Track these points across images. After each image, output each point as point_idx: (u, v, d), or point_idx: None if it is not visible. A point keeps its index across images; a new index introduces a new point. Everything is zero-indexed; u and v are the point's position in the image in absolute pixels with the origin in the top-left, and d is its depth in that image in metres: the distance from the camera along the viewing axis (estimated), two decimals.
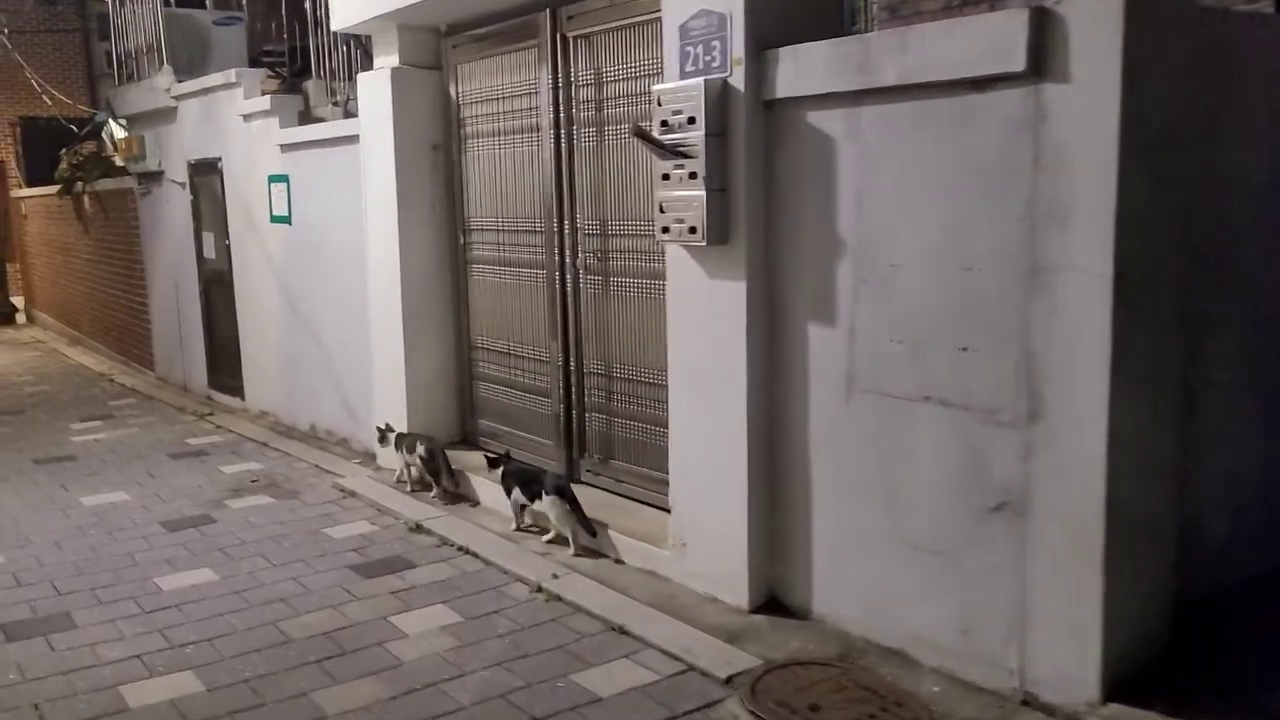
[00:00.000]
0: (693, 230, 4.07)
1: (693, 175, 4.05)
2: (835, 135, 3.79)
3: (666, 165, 4.15)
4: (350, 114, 7.36)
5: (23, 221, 16.27)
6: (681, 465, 4.45)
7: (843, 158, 3.77)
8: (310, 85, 8.12)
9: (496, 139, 6.05)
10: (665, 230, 4.21)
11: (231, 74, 8.34)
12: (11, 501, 6.58)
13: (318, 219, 7.53)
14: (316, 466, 7.14)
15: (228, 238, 8.93)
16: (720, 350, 4.15)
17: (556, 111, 5.48)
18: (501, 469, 5.66)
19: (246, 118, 8.28)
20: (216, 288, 9.34)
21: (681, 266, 4.28)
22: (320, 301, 7.64)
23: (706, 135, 3.99)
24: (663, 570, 4.62)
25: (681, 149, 4.07)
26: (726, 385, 4.14)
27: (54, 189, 13.11)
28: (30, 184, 16.47)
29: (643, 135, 4.10)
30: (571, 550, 5.08)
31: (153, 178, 10.26)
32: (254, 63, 9.07)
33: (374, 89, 6.43)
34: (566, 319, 5.60)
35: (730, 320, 4.09)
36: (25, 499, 6.63)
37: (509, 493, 5.52)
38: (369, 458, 7.17)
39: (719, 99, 4.01)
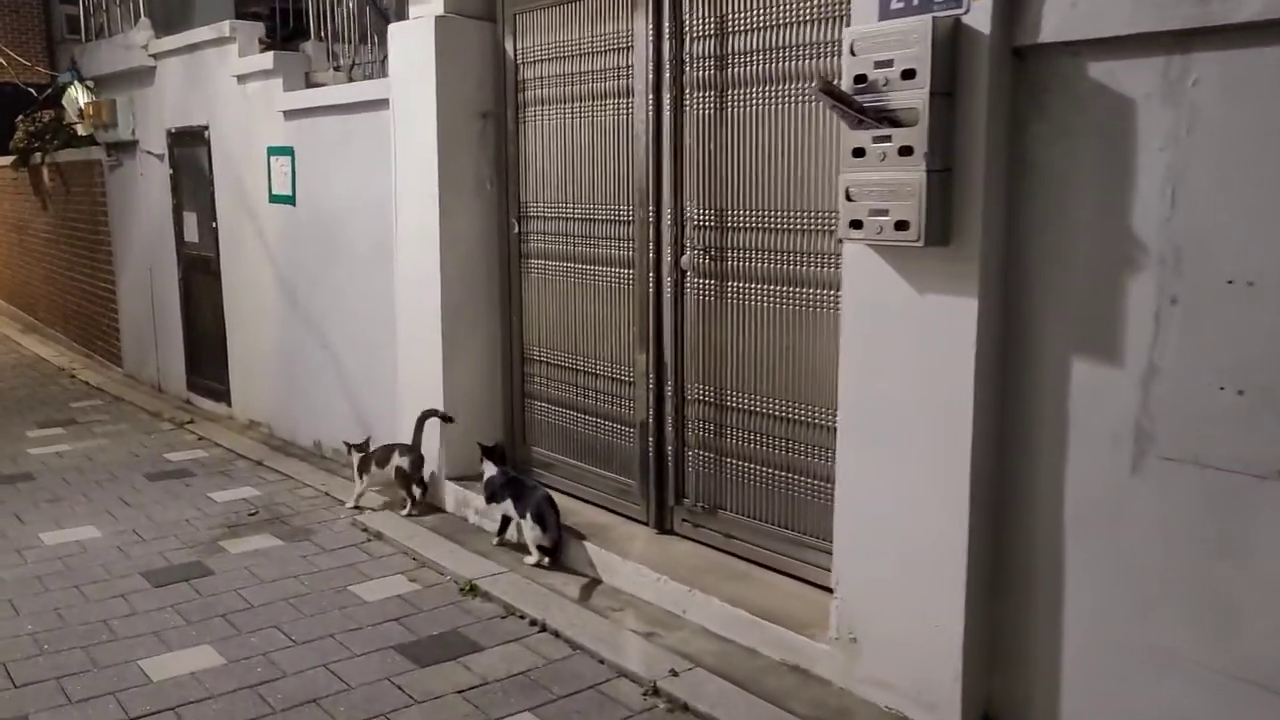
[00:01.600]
0: (902, 225, 2.97)
1: (905, 151, 2.95)
2: (1138, 95, 2.70)
3: (861, 136, 3.04)
4: (356, 80, 6.21)
5: None
6: (855, 535, 3.36)
7: (1149, 128, 2.69)
8: (308, 49, 6.92)
9: (567, 106, 4.91)
10: (855, 225, 3.11)
11: (224, 26, 7.12)
12: None
13: (329, 200, 6.34)
14: (326, 494, 5.98)
15: (215, 219, 7.71)
16: (931, 388, 3.06)
17: (657, 71, 4.35)
18: (489, 477, 4.87)
19: (241, 79, 7.07)
20: (200, 276, 8.12)
21: (870, 273, 3.18)
22: (330, 298, 6.46)
23: (931, 95, 2.88)
24: (819, 669, 3.53)
25: (888, 114, 2.96)
26: (939, 435, 3.05)
27: (8, 160, 11.76)
28: None
29: (834, 94, 2.98)
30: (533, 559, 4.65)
31: (124, 148, 9.00)
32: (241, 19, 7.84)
33: (411, 42, 5.26)
34: (661, 331, 4.49)
35: (949, 348, 3.00)
36: None
37: (490, 499, 4.82)
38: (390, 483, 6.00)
39: (947, 45, 2.91)
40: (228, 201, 7.52)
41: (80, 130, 10.04)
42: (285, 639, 4.11)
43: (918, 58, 2.90)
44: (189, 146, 7.98)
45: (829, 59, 3.68)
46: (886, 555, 3.28)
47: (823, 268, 3.82)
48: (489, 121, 5.35)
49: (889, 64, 2.97)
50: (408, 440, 5.45)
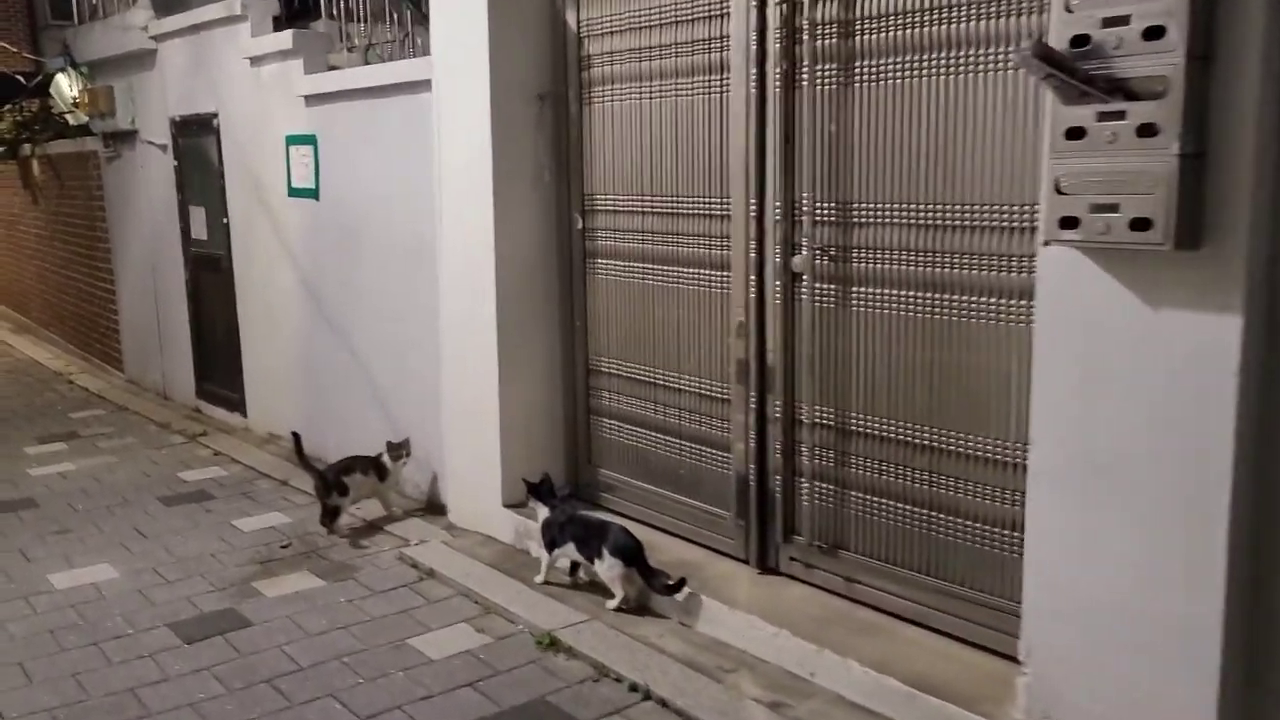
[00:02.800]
0: (1140, 224, 2.39)
1: (1146, 130, 2.35)
2: None
3: (1080, 114, 2.44)
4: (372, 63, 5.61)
5: None
6: (1054, 600, 2.78)
7: None
8: (319, 29, 6.29)
9: (643, 84, 4.30)
10: (1069, 224, 2.52)
11: (234, 3, 6.47)
12: None
13: (358, 193, 5.72)
14: (364, 521, 5.37)
15: (226, 214, 7.08)
16: (1173, 428, 2.48)
17: (762, 42, 3.75)
18: (546, 518, 4.31)
19: (255, 61, 6.44)
20: (209, 276, 7.49)
21: (1084, 282, 2.59)
22: (359, 301, 5.84)
23: (1188, 59, 2.28)
24: None
25: (1121, 83, 2.36)
26: (1183, 488, 2.47)
27: None
28: None
29: (1052, 60, 2.39)
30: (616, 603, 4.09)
31: (123, 138, 8.36)
32: None
33: (459, 16, 4.65)
34: (764, 343, 3.89)
35: (1200, 379, 2.42)
36: None
37: (551, 546, 4.25)
38: (435, 511, 5.41)
39: None
40: (240, 195, 6.89)
41: (72, 120, 9.37)
42: (345, 712, 3.52)
43: (1169, 11, 2.29)
44: (195, 136, 7.34)
45: (996, 20, 3.07)
46: (1100, 629, 2.69)
47: (981, 270, 3.22)
48: (547, 104, 4.73)
49: (1124, 20, 2.37)
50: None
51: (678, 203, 4.22)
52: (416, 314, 5.35)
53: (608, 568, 4.06)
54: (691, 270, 4.21)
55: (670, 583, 3.91)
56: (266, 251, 6.67)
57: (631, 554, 4.03)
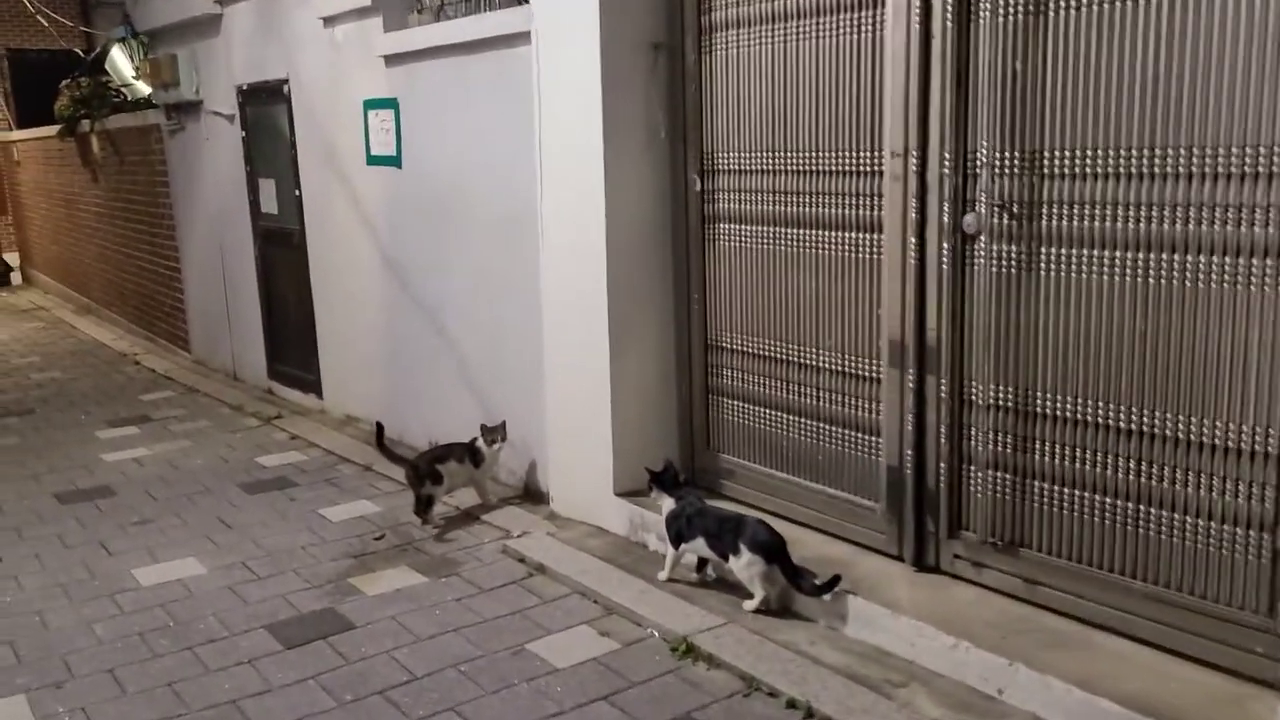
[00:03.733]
0: None
1: None
2: None
3: None
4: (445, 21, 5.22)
5: (15, 169, 13.97)
6: None
7: None
8: None
9: (773, 27, 3.87)
10: None
11: None
12: (31, 577, 4.47)
13: (447, 160, 5.33)
14: (459, 509, 5.02)
15: (298, 186, 6.73)
16: None
17: None
18: (672, 510, 3.88)
19: (328, 21, 6.06)
20: (280, 252, 7.16)
21: None
22: (446, 276, 5.47)
23: None
24: None
25: None
26: None
27: (53, 130, 10.84)
28: (22, 125, 14.18)
29: None
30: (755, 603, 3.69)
31: (186, 110, 8.05)
32: None
33: None
34: (923, 313, 3.47)
35: None
36: (50, 570, 4.54)
37: (677, 540, 3.82)
38: (534, 499, 5.05)
39: None
40: (314, 166, 6.53)
41: (129, 94, 9.09)
42: None
43: None
44: (264, 104, 7.00)
45: None
46: None
47: (1215, 225, 2.76)
48: (661, 54, 4.30)
49: None
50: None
51: (816, 159, 3.79)
52: (514, 289, 4.97)
53: (746, 565, 3.67)
54: (833, 234, 3.78)
55: (820, 582, 3.51)
56: (343, 225, 6.31)
57: (773, 550, 3.63)
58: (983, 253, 3.26)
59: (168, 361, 9.02)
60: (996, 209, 3.21)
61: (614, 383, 4.38)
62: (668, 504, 3.94)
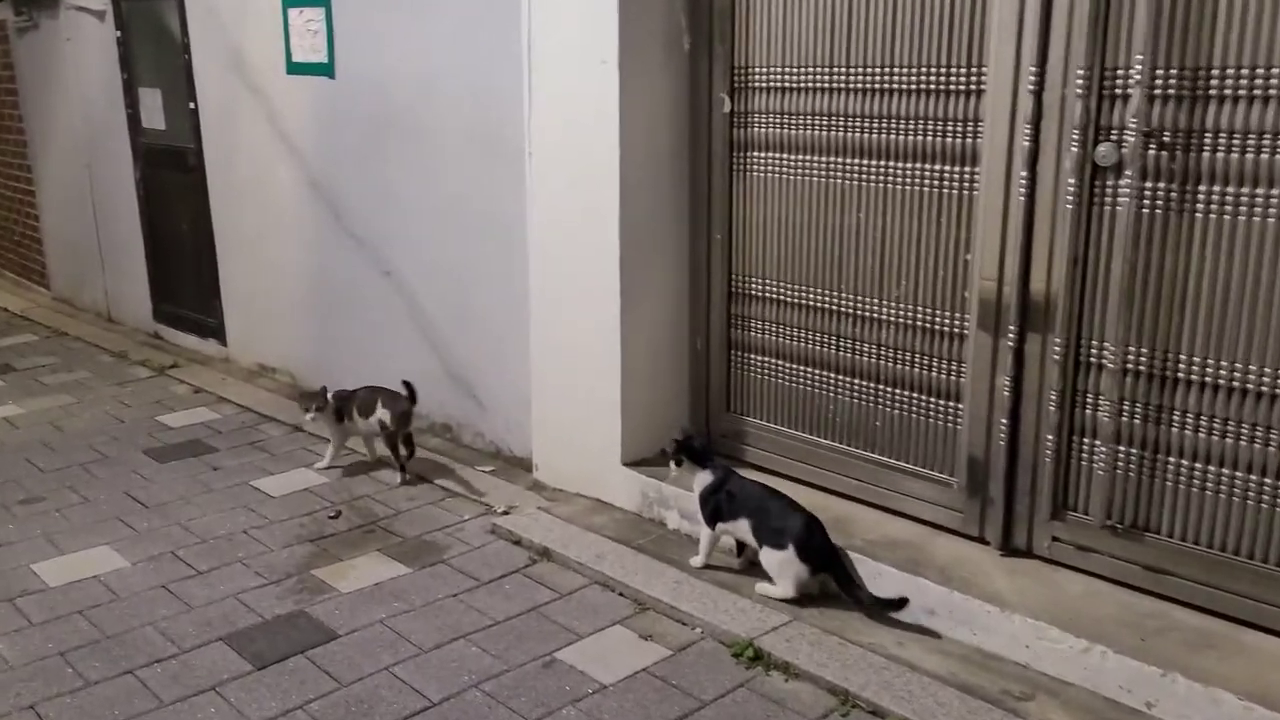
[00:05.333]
0: None
1: None
2: None
3: None
4: None
5: None
6: None
7: None
8: None
9: None
10: None
11: None
12: None
13: (398, 70, 4.53)
14: (420, 478, 4.34)
15: (193, 98, 5.78)
16: None
17: None
18: (708, 484, 3.36)
19: None
20: (171, 175, 6.20)
21: None
22: (397, 207, 4.71)
23: None
24: None
25: None
26: None
27: None
28: None
29: None
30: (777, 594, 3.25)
31: (40, 4, 6.87)
32: None
33: None
34: (1029, 259, 2.98)
35: None
36: None
37: (713, 519, 3.32)
38: (511, 466, 4.40)
39: None
40: (214, 74, 5.60)
41: None
42: None
43: None
44: (143, 0, 5.97)
45: None
46: None
47: None
48: None
49: None
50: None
51: (889, 75, 3.22)
52: (487, 222, 4.27)
53: (783, 563, 3.16)
54: (908, 166, 3.22)
55: (882, 597, 3.02)
56: (254, 145, 5.42)
57: (825, 559, 3.14)
58: (1128, 190, 2.75)
59: (22, 299, 7.90)
60: (1141, 138, 2.70)
61: (624, 335, 3.76)
62: (702, 478, 3.37)
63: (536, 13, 3.76)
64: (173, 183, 6.19)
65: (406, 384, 4.20)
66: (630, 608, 3.31)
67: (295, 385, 5.51)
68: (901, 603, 3.00)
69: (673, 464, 3.40)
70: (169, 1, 5.79)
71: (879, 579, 3.12)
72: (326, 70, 4.88)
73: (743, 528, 3.29)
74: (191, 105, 5.82)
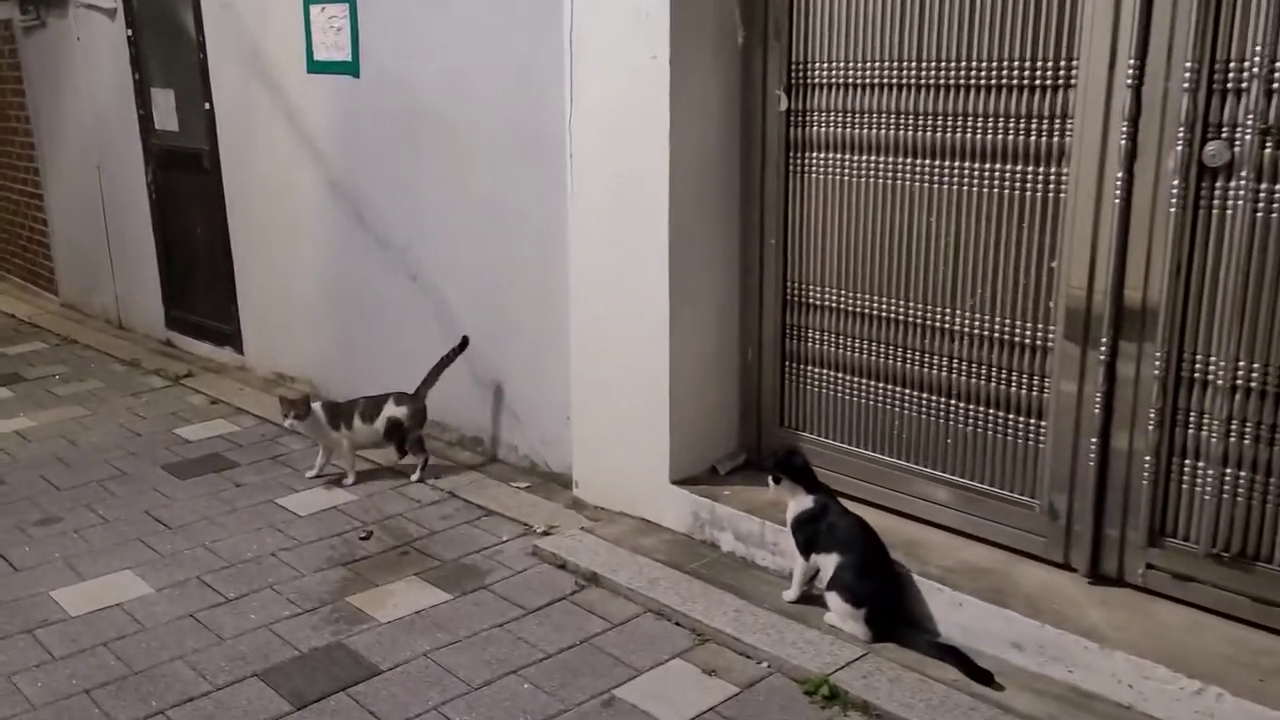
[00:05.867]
0: None
1: None
2: None
3: None
4: None
5: None
6: None
7: None
8: None
9: None
10: None
11: None
12: None
13: (426, 66, 4.33)
14: (452, 495, 4.14)
15: (208, 99, 5.58)
16: None
17: None
18: (807, 510, 3.10)
19: None
20: (184, 177, 6.00)
21: None
22: (425, 209, 4.51)
23: None
24: None
25: None
26: None
27: None
28: None
29: None
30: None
31: (49, 3, 6.66)
32: None
33: None
34: (1123, 267, 2.77)
35: None
36: None
37: (808, 549, 3.07)
38: (545, 479, 4.20)
39: None
40: (230, 74, 5.39)
41: None
42: None
43: None
44: None
45: None
46: None
47: None
48: None
49: None
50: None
51: (968, 70, 3.01)
52: (524, 225, 4.06)
53: (851, 620, 2.98)
54: (988, 166, 3.02)
55: (973, 667, 2.80)
56: (273, 145, 5.21)
57: (892, 632, 2.95)
58: (1243, 193, 2.54)
59: (30, 305, 7.69)
60: (1260, 135, 2.49)
61: (673, 345, 3.55)
62: (801, 502, 3.15)
63: (580, 5, 3.54)
64: (186, 185, 5.99)
65: (465, 338, 4.28)
66: (689, 639, 3.10)
67: (316, 395, 5.30)
68: (987, 677, 2.77)
69: (770, 481, 3.18)
70: None
71: (960, 611, 2.91)
72: (350, 69, 4.67)
73: (830, 564, 3.07)
74: (207, 106, 5.62)
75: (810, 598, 3.21)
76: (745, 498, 3.57)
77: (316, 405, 4.29)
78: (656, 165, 3.44)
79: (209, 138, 5.68)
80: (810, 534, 3.08)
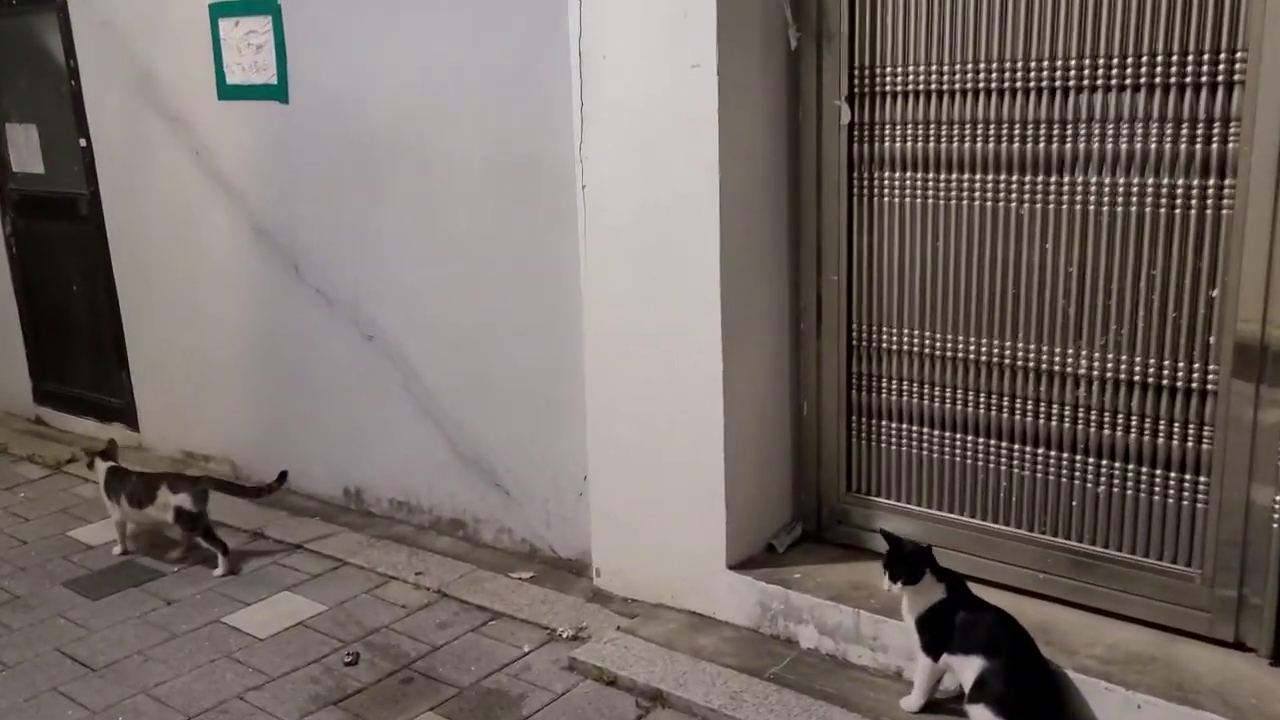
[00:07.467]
0: None
1: None
2: None
3: None
4: None
5: None
6: None
7: None
8: None
9: None
10: None
11: None
12: None
13: (379, 82, 3.68)
14: (443, 594, 3.46)
15: (84, 135, 4.71)
16: None
17: None
18: (938, 602, 2.56)
19: None
20: (53, 227, 5.13)
21: None
22: (383, 256, 3.81)
23: None
24: None
25: None
26: None
27: None
28: None
29: None
30: None
31: None
32: None
33: None
34: None
35: None
36: None
37: (935, 648, 2.51)
38: (550, 566, 3.56)
39: None
40: (114, 104, 4.57)
41: None
42: None
43: None
44: (12, 14, 4.90)
45: None
46: None
47: None
48: None
49: None
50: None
51: (1095, 68, 2.55)
52: (514, 271, 3.45)
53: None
54: (1121, 181, 2.57)
55: None
56: (176, 187, 4.42)
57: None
58: None
59: None
60: None
61: (728, 407, 2.97)
62: (930, 593, 2.58)
63: (592, 3, 2.95)
64: (57, 236, 5.10)
65: (283, 473, 3.91)
66: None
67: (239, 476, 4.50)
68: None
69: (887, 582, 2.59)
70: (47, 16, 4.72)
71: (1139, 715, 2.40)
72: (276, 93, 3.94)
73: (970, 668, 2.51)
74: (83, 142, 4.75)
75: (933, 703, 2.65)
76: (821, 580, 3.02)
77: (101, 464, 3.83)
78: (702, 197, 2.87)
79: (87, 179, 4.82)
80: (942, 630, 2.53)
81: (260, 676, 3.04)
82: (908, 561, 2.54)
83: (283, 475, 3.93)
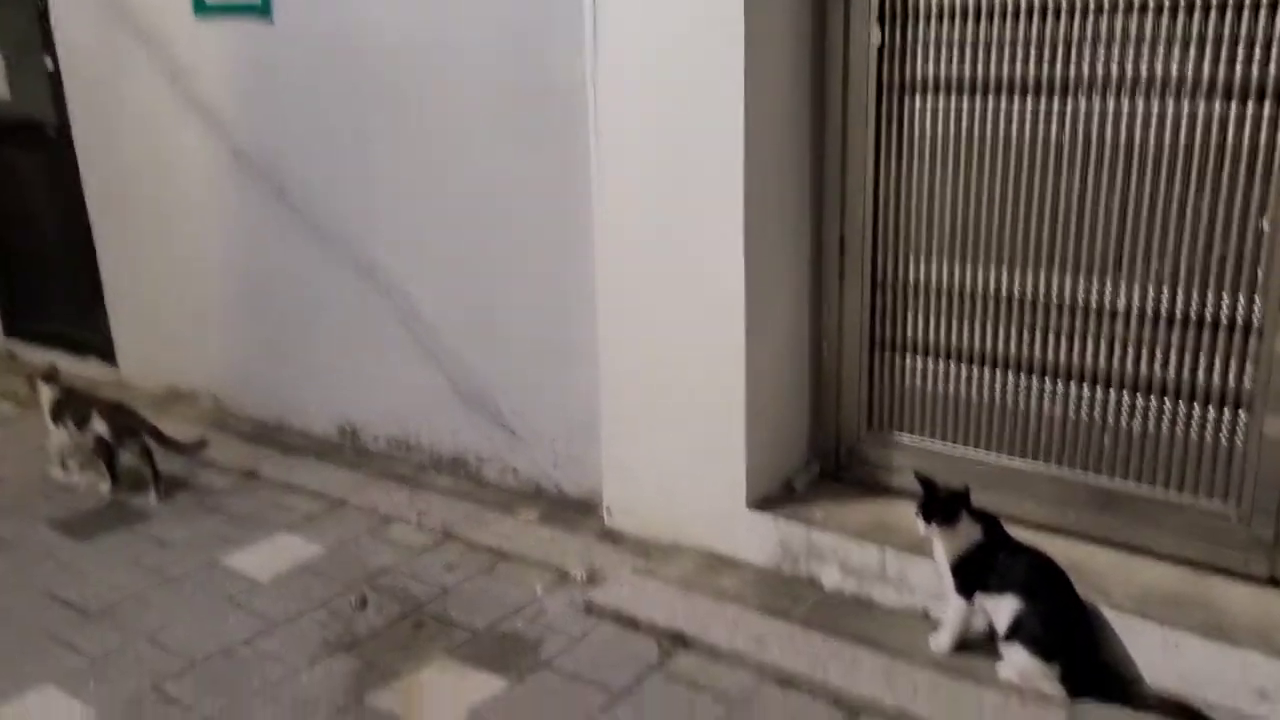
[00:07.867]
0: None
1: None
2: None
3: None
4: None
5: None
6: None
7: None
8: None
9: None
10: None
11: None
12: None
13: (375, 7, 3.43)
14: (448, 534, 3.36)
15: (51, 56, 4.47)
16: None
17: None
18: (976, 542, 2.49)
19: None
20: (21, 154, 4.90)
21: None
22: (380, 191, 3.66)
23: None
24: None
25: None
26: None
27: None
28: None
29: None
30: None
31: None
32: None
33: None
34: None
35: None
36: None
37: (969, 588, 2.47)
38: (557, 505, 3.47)
39: None
40: (83, 23, 4.33)
41: None
42: None
43: None
44: None
45: None
46: None
47: None
48: None
49: None
50: None
51: None
52: (521, 206, 3.31)
53: (1040, 676, 2.40)
54: (1170, 106, 2.45)
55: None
56: (151, 111, 4.21)
57: (1097, 688, 2.37)
58: None
59: None
60: None
61: (750, 343, 2.87)
62: (968, 534, 2.51)
63: None
64: (25, 164, 4.88)
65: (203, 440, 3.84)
66: (837, 716, 2.45)
67: (225, 412, 4.37)
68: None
69: (922, 524, 2.52)
70: None
71: (1177, 654, 2.36)
72: (259, 8, 3.72)
73: (1005, 608, 2.46)
74: (50, 65, 4.51)
75: (960, 643, 2.60)
76: (844, 520, 2.95)
77: (44, 387, 3.73)
78: (725, 119, 2.75)
79: (55, 104, 4.58)
80: (978, 572, 2.47)
81: (264, 621, 2.95)
82: (944, 504, 2.47)
83: (202, 442, 3.82)
